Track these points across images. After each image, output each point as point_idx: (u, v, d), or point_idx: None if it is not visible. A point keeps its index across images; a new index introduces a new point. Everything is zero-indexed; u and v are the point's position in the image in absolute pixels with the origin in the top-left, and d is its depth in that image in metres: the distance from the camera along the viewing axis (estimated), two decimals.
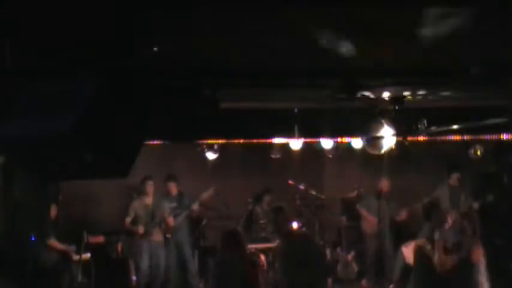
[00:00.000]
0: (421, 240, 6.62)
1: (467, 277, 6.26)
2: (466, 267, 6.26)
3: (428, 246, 6.47)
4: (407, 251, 6.80)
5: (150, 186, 9.83)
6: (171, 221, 9.84)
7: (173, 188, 10.10)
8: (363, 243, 10.60)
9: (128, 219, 9.76)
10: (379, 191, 10.29)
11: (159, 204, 9.87)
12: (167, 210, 9.91)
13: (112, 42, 4.32)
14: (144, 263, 9.73)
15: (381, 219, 10.11)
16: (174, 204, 10.07)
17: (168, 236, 9.93)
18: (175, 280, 10.13)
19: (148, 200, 9.87)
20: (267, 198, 10.56)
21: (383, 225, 10.19)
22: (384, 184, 10.34)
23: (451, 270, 6.24)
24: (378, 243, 10.30)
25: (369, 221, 10.28)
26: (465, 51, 5.13)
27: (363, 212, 10.42)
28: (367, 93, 6.54)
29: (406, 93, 6.91)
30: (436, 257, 6.34)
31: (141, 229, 9.63)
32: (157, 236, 9.80)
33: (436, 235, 6.47)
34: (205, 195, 10.07)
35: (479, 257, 6.33)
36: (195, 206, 10.07)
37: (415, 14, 4.29)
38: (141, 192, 9.88)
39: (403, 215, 10.27)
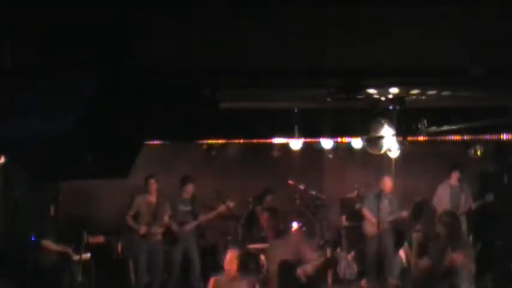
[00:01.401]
0: (405, 247, 6.65)
1: (446, 281, 6.22)
2: (445, 271, 6.21)
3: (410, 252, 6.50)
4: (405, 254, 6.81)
5: (152, 185, 9.84)
6: (171, 224, 9.83)
7: (189, 190, 10.04)
8: (364, 243, 10.58)
9: (130, 214, 9.75)
10: (381, 191, 10.28)
11: (163, 204, 9.87)
12: (180, 213, 9.90)
13: (112, 42, 4.32)
14: (143, 262, 9.74)
15: (382, 219, 10.10)
16: (188, 208, 10.05)
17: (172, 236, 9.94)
18: (177, 280, 10.13)
19: (152, 198, 9.88)
20: (268, 198, 10.56)
21: (385, 225, 10.17)
22: (387, 184, 10.31)
23: (424, 274, 6.23)
24: (379, 244, 10.28)
25: (371, 222, 10.25)
26: (465, 51, 5.13)
27: (366, 212, 10.39)
28: (367, 93, 6.54)
29: (406, 93, 6.92)
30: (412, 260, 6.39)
31: (143, 229, 9.63)
32: (156, 235, 9.80)
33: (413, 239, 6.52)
34: (223, 208, 10.02)
35: (458, 262, 6.25)
36: (211, 216, 10.06)
37: (415, 14, 4.29)
38: (144, 190, 9.89)
39: (404, 214, 10.25)
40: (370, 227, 10.33)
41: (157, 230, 9.76)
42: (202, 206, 10.16)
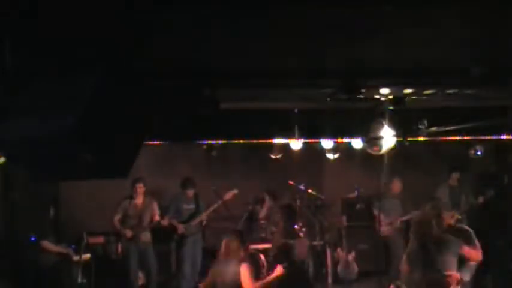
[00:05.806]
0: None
1: None
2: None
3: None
4: None
5: (140, 189, 9.82)
6: (164, 221, 9.87)
7: (190, 193, 10.10)
8: (372, 243, 10.59)
9: (117, 218, 9.73)
10: (393, 192, 10.32)
11: (150, 206, 9.87)
12: (184, 212, 9.95)
13: (112, 42, 4.32)
14: (134, 264, 9.75)
15: (393, 220, 10.15)
16: (191, 206, 10.08)
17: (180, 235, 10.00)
18: (187, 278, 10.12)
19: (138, 201, 9.86)
20: (267, 198, 10.56)
21: (396, 226, 10.21)
22: (396, 185, 10.35)
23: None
24: (391, 244, 10.27)
25: (384, 223, 10.25)
26: (465, 51, 5.13)
27: (380, 214, 10.35)
28: (367, 93, 6.54)
29: (406, 93, 6.92)
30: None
31: (128, 233, 9.63)
32: (145, 237, 9.80)
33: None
34: (228, 195, 10.05)
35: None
36: (216, 206, 10.09)
37: (415, 14, 4.29)
38: (131, 194, 9.86)
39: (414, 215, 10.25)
40: (382, 227, 10.29)
41: (145, 231, 9.77)
42: (206, 206, 10.18)
